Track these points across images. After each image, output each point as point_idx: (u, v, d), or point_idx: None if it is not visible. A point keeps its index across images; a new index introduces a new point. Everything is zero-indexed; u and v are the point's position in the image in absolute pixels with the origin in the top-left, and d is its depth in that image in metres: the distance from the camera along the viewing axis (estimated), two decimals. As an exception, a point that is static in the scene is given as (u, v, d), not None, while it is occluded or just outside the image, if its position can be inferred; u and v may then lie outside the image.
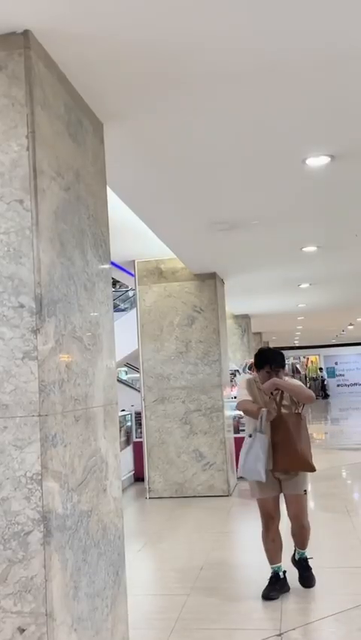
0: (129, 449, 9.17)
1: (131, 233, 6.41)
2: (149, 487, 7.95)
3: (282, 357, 4.46)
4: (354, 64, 2.91)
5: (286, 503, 4.31)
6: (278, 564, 4.28)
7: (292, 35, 2.64)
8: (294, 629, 3.69)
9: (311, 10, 2.47)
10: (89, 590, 2.63)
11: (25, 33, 2.42)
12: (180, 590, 4.49)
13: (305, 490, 4.30)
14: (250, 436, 4.18)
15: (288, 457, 4.14)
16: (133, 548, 5.33)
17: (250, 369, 9.76)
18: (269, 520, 4.29)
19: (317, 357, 34.09)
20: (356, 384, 33.87)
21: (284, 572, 4.29)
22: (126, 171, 4.13)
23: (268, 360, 4.34)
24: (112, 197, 3.86)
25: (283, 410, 4.26)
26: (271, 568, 4.27)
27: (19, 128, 2.39)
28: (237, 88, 3.08)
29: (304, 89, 3.14)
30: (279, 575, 4.25)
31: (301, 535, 4.38)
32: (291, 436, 4.16)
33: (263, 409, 4.18)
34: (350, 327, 20.48)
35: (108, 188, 3.36)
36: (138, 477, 8.87)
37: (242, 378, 4.89)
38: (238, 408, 4.46)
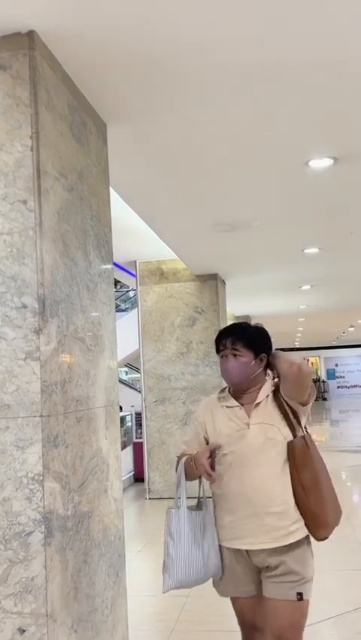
0: (129, 449, 9.17)
1: (133, 234, 6.42)
2: (149, 488, 7.95)
3: (256, 331, 2.63)
4: (356, 65, 2.90)
5: (266, 612, 2.43)
6: None
7: (293, 37, 2.64)
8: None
9: (313, 11, 2.47)
10: (90, 590, 2.63)
11: (30, 33, 2.42)
12: (179, 592, 4.47)
13: (301, 594, 2.36)
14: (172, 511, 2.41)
15: (332, 513, 2.67)
16: (133, 549, 5.33)
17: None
18: (251, 633, 2.56)
19: (317, 358, 34.05)
20: (356, 386, 33.85)
21: None
22: (129, 172, 4.14)
23: (220, 336, 2.66)
24: (114, 197, 3.86)
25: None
26: None
27: (24, 128, 2.39)
28: (240, 88, 3.08)
29: (307, 91, 3.14)
30: None
31: None
32: (321, 477, 2.61)
33: (183, 458, 2.47)
34: (351, 328, 20.47)
35: (111, 189, 3.36)
36: (138, 477, 8.87)
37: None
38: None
